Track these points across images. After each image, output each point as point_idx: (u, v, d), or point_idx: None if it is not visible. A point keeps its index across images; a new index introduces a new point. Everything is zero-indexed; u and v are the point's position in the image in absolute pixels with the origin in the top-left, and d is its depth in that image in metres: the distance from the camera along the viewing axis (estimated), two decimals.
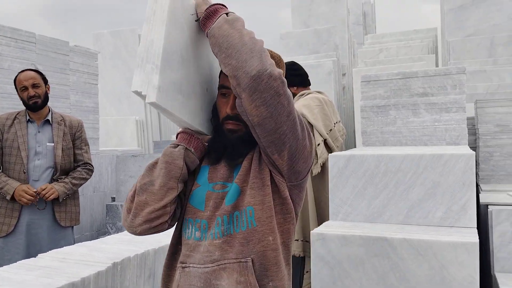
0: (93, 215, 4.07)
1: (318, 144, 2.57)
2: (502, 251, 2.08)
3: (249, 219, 1.19)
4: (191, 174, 1.32)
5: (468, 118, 3.26)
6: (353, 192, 2.12)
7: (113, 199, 3.79)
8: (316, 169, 2.56)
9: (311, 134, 1.25)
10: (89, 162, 3.06)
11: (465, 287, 1.67)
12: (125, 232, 1.96)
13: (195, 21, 1.27)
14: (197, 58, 1.30)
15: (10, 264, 1.42)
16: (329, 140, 2.68)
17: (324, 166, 2.64)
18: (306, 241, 2.59)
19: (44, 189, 2.75)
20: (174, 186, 1.23)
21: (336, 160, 2.16)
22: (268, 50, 1.31)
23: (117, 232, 3.13)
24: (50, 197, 2.75)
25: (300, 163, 1.23)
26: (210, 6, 1.25)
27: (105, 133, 6.63)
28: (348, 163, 2.13)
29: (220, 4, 1.26)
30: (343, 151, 2.30)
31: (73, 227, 2.97)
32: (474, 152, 1.95)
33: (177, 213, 1.29)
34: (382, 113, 3.07)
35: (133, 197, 1.24)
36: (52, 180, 2.87)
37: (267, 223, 1.20)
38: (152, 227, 1.22)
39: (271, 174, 1.24)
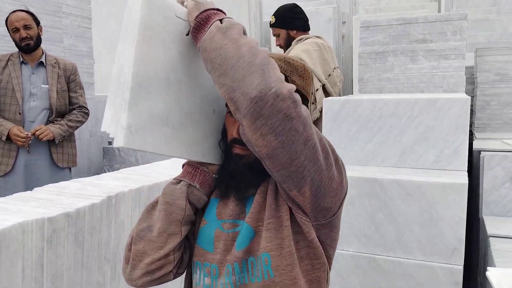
0: (90, 159, 4.11)
1: (317, 90, 2.55)
2: (492, 195, 2.13)
3: (265, 269, 0.97)
4: (200, 210, 1.10)
5: (467, 67, 3.23)
6: (347, 136, 2.13)
7: (110, 143, 3.81)
8: (314, 115, 2.55)
9: (339, 160, 1.02)
10: (85, 105, 3.06)
11: (452, 227, 1.72)
12: (121, 170, 1.99)
13: (186, 35, 1.01)
14: (195, 76, 1.05)
15: (6, 196, 1.45)
16: (328, 85, 2.66)
17: (322, 112, 2.64)
18: None
19: (39, 129, 2.76)
20: (176, 231, 1.03)
21: (330, 104, 2.16)
22: (287, 58, 1.06)
23: None
24: (44, 138, 2.76)
25: (328, 198, 0.97)
26: (200, 13, 0.97)
27: (101, 81, 6.57)
28: (343, 108, 2.13)
29: (214, 8, 0.99)
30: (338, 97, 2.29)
31: (70, 168, 3.01)
32: (469, 97, 1.95)
33: (185, 258, 1.09)
34: (380, 60, 3.03)
35: (130, 245, 1.05)
36: (48, 122, 2.88)
37: (286, 273, 0.97)
38: (154, 279, 1.04)
39: (290, 211, 1.00)
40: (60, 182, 1.69)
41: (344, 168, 1.02)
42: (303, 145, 0.89)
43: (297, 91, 0.98)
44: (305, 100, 1.07)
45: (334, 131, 2.15)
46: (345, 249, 1.88)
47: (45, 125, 2.84)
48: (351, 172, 1.92)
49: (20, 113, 2.80)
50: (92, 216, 1.41)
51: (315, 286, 1.01)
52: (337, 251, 1.88)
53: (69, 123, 2.92)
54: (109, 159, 3.15)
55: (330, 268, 1.07)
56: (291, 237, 0.98)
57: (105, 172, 3.17)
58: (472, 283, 2.42)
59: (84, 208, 1.37)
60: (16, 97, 2.80)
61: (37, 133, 2.76)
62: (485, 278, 1.80)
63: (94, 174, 4.20)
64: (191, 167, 1.08)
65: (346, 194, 1.04)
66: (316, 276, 1.01)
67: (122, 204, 1.56)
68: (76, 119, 2.97)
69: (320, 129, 2.65)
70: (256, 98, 0.85)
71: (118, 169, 3.12)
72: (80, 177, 4.06)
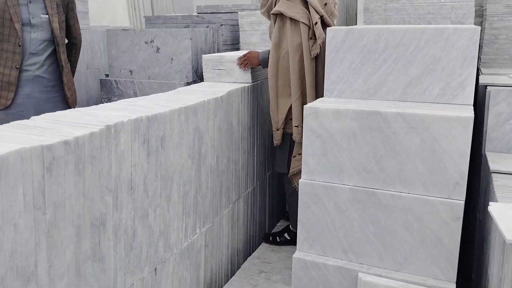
0: (88, 92, 4.05)
1: (316, 23, 2.43)
2: (495, 131, 2.11)
3: None
4: None
5: None
6: (350, 68, 2.07)
7: (107, 75, 3.72)
8: (315, 50, 2.45)
9: None
10: (80, 37, 2.99)
11: (455, 161, 1.71)
12: (120, 101, 1.95)
13: None
14: None
15: (3, 124, 1.42)
16: (326, 17, 2.55)
17: (322, 47, 2.55)
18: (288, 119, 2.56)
19: None
20: None
21: (334, 34, 2.08)
22: None
23: None
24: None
25: None
26: None
27: (96, 11, 6.35)
28: (347, 38, 2.05)
29: None
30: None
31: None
32: (479, 27, 1.87)
33: None
34: None
35: None
36: (54, 56, 2.83)
37: None
38: None
39: None
40: (56, 112, 1.65)
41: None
42: None
43: None
44: None
45: (336, 63, 2.08)
46: (344, 182, 1.88)
47: (49, 58, 2.82)
48: (354, 105, 1.89)
49: (20, 45, 2.71)
50: (91, 145, 1.39)
51: None
52: (336, 184, 1.89)
53: (74, 68, 2.97)
54: (107, 91, 3.09)
55: None
56: None
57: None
58: (470, 221, 2.46)
59: (83, 137, 1.34)
60: (15, 28, 2.70)
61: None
62: (484, 215, 1.82)
63: None
64: None
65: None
66: None
67: (122, 134, 1.54)
68: (77, 60, 2.97)
69: (322, 65, 2.57)
70: None
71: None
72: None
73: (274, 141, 2.66)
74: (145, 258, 1.77)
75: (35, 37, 2.77)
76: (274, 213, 3.33)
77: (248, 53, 2.69)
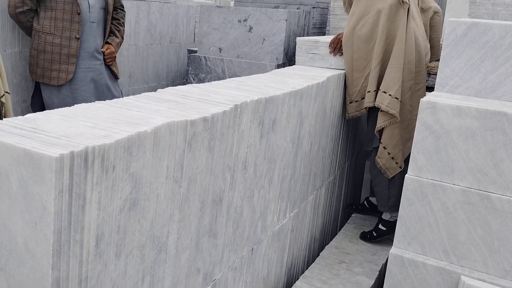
0: (168, 65, 4.11)
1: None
2: None
3: None
4: None
5: None
6: (467, 64, 1.97)
7: (190, 51, 3.76)
8: (406, 4, 2.38)
9: None
10: (123, 7, 2.93)
11: None
12: (229, 79, 1.94)
13: None
14: None
15: (136, 95, 1.45)
16: None
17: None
18: (384, 92, 2.44)
19: (109, 53, 2.69)
20: None
21: (455, 26, 1.98)
22: None
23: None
24: (109, 63, 2.73)
25: None
26: None
27: None
28: (469, 31, 1.95)
29: None
30: (461, 19, 2.09)
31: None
32: None
33: None
34: None
35: None
36: (106, 23, 2.73)
37: None
38: None
39: None
40: (178, 86, 1.66)
41: None
42: None
43: None
44: None
45: (453, 57, 1.99)
46: (455, 182, 1.81)
47: (104, 28, 2.72)
48: (476, 103, 1.80)
49: (78, 13, 2.52)
50: (222, 123, 1.39)
51: None
52: (446, 184, 1.82)
53: (121, 40, 2.85)
54: (195, 67, 3.11)
55: None
56: None
57: (190, 80, 3.16)
58: None
59: (217, 114, 1.35)
60: None
61: (106, 57, 2.70)
62: None
63: (172, 81, 4.22)
64: None
65: None
66: None
67: (244, 114, 1.53)
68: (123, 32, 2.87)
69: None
70: None
71: (204, 79, 3.10)
72: (159, 83, 4.13)
73: (346, 114, 2.61)
74: (246, 238, 1.78)
75: (93, 5, 2.58)
76: (347, 206, 3.29)
77: (339, 34, 2.61)
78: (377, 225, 2.70)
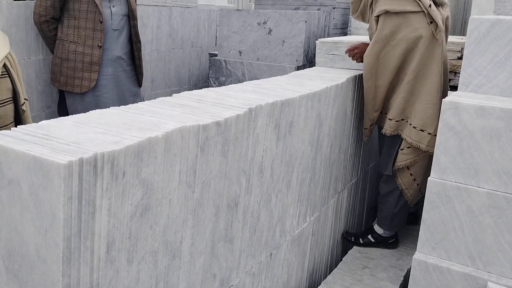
0: (190, 69, 4.13)
1: (430, 6, 2.22)
2: None
3: None
4: None
5: None
6: (492, 62, 1.90)
7: (211, 54, 3.77)
8: (440, 34, 2.24)
9: None
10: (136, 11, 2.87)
11: None
12: (246, 82, 1.93)
13: None
14: None
15: (150, 100, 1.45)
16: None
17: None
18: (402, 120, 2.37)
19: None
20: None
21: (478, 23, 1.92)
22: None
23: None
24: None
25: None
26: None
27: None
28: (492, 28, 1.88)
29: None
30: (485, 15, 2.02)
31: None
32: None
33: None
34: None
35: None
36: (132, 31, 2.71)
37: None
38: None
39: None
40: (193, 90, 1.66)
41: None
42: None
43: None
44: None
45: (476, 55, 1.92)
46: (481, 185, 1.74)
47: (127, 35, 2.67)
48: (501, 103, 1.73)
49: (101, 22, 2.52)
50: (236, 127, 1.38)
51: None
52: (471, 186, 1.76)
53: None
54: (215, 70, 3.12)
55: None
56: None
57: (211, 83, 3.17)
58: None
59: (231, 118, 1.34)
60: (95, 2, 2.48)
61: None
62: None
63: (194, 85, 4.25)
64: None
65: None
66: None
67: (259, 117, 1.52)
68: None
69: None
70: None
71: (224, 82, 3.10)
72: (181, 87, 4.15)
73: (364, 137, 2.54)
74: (264, 243, 1.76)
75: (116, 12, 2.56)
76: (372, 208, 3.23)
77: (358, 47, 2.46)
78: (366, 233, 2.65)
